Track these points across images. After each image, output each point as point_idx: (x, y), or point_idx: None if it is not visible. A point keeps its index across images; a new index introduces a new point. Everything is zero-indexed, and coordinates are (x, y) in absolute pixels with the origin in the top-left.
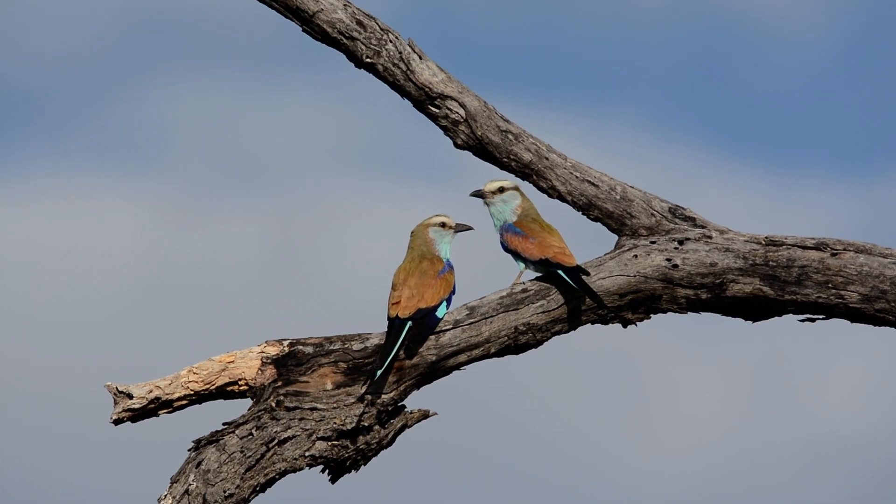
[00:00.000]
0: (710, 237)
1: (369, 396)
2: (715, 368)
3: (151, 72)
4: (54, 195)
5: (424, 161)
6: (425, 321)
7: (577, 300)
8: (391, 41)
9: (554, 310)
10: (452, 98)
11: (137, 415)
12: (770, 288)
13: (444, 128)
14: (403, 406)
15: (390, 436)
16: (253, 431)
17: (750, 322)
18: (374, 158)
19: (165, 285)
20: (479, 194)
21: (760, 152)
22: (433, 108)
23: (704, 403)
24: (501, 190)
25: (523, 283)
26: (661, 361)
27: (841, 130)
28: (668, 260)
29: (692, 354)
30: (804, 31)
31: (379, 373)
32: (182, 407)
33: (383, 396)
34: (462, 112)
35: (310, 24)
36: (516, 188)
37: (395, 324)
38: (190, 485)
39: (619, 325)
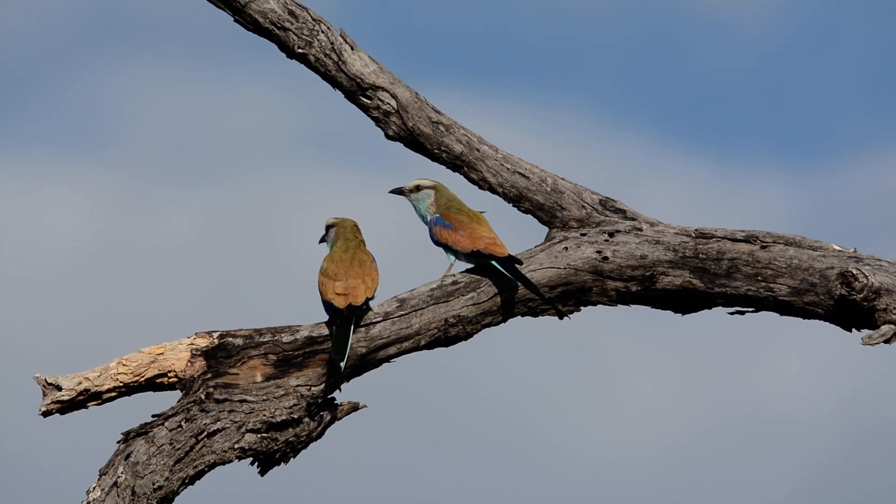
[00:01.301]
0: (640, 229)
1: (339, 390)
2: (666, 354)
3: (100, 58)
4: (1, 179)
5: (375, 151)
6: (365, 311)
7: (507, 292)
8: (323, 32)
9: (484, 302)
10: (384, 89)
11: (66, 406)
12: (700, 280)
13: (375, 119)
14: (333, 399)
15: (320, 428)
16: (182, 423)
17: (679, 314)
18: (323, 147)
19: (109, 273)
20: (399, 191)
21: (707, 140)
22: (364, 100)
23: (656, 388)
24: (418, 188)
25: (453, 275)
26: (611, 348)
27: (789, 117)
28: (599, 252)
29: (643, 339)
30: (754, 14)
31: (343, 365)
32: (112, 399)
33: (312, 389)
34: (393, 103)
35: (241, 14)
36: (434, 187)
37: (345, 313)
38: (119, 477)
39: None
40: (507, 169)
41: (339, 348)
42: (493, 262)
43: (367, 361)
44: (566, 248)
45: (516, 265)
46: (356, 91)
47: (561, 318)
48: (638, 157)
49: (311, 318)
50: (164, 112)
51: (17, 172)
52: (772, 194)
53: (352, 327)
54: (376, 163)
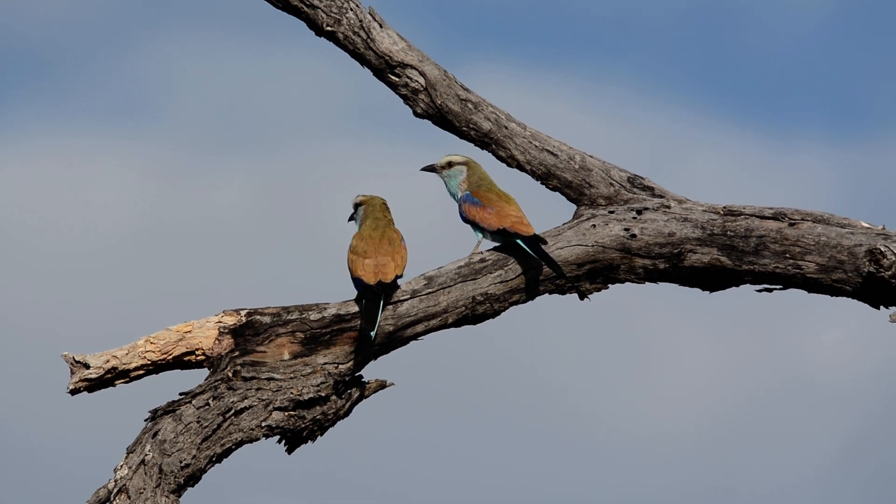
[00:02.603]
0: (668, 207)
1: (373, 358)
2: (707, 325)
3: (150, 32)
4: (52, 154)
5: (421, 124)
6: (395, 288)
7: (534, 270)
8: (352, 9)
9: (511, 280)
10: (412, 67)
11: (94, 385)
12: (728, 258)
13: (403, 97)
14: (360, 376)
15: (347, 406)
16: (210, 402)
17: (707, 292)
18: (372, 119)
19: (160, 246)
20: (430, 168)
21: (756, 113)
22: (393, 77)
23: (698, 359)
24: (450, 165)
25: (481, 252)
26: (654, 320)
27: (839, 90)
28: (627, 230)
29: (684, 311)
30: None
31: (374, 334)
32: (139, 377)
33: (339, 367)
34: (422, 81)
35: None
36: (466, 163)
37: (375, 289)
38: (146, 455)
39: (610, 290)
40: (536, 146)
41: (370, 320)
42: (519, 241)
43: (395, 339)
44: (594, 226)
45: (541, 244)
46: (385, 69)
47: (582, 298)
48: (686, 130)
49: (345, 294)
50: (213, 85)
51: (68, 144)
52: (819, 168)
53: (381, 303)
54: (420, 136)
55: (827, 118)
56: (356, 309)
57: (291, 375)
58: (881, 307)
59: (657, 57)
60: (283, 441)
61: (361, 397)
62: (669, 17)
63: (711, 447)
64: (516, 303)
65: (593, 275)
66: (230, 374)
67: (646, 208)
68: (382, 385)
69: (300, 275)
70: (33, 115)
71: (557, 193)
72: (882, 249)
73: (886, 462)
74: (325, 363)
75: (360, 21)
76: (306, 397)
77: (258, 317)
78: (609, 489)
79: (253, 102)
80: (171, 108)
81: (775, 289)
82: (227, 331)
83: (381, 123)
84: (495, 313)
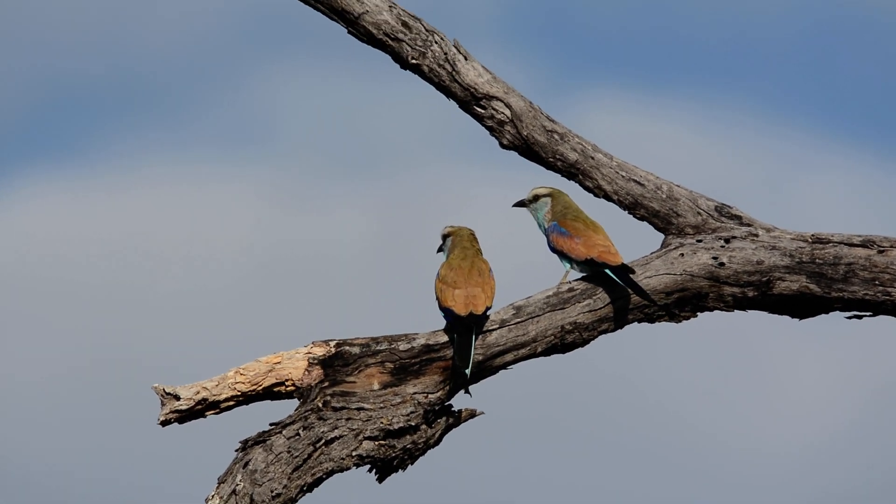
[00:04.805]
0: (756, 235)
1: (469, 394)
2: (818, 340)
3: (264, 59)
4: (170, 183)
5: None
6: (486, 319)
7: (623, 299)
8: (436, 42)
9: (600, 309)
10: (498, 98)
11: (185, 416)
12: (817, 285)
13: (489, 128)
14: (450, 405)
15: (437, 435)
16: (300, 432)
17: (797, 319)
18: (484, 144)
19: (278, 271)
20: (521, 204)
21: (873, 136)
22: (479, 109)
23: (809, 376)
24: (536, 198)
25: (569, 282)
26: (762, 336)
27: None
28: (715, 258)
29: (794, 328)
30: None
31: (468, 372)
32: (229, 408)
33: (429, 396)
34: (508, 112)
35: (355, 26)
36: (550, 194)
37: (467, 321)
38: (237, 485)
39: (727, 313)
40: (623, 177)
41: (463, 356)
42: (607, 271)
43: (484, 368)
44: (682, 255)
45: (629, 274)
46: (470, 101)
47: (675, 321)
48: (802, 153)
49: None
50: (328, 111)
51: (187, 172)
52: None
53: (473, 335)
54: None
55: None
56: (445, 339)
57: (381, 405)
58: None
59: (772, 80)
60: (374, 470)
61: (451, 426)
62: (784, 39)
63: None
64: (605, 331)
65: (682, 303)
66: (320, 405)
67: (734, 237)
68: (473, 414)
69: (414, 303)
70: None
71: (645, 223)
72: None
73: None
74: (415, 393)
75: (445, 54)
76: (396, 427)
77: (347, 347)
78: None
79: (367, 127)
80: (287, 134)
81: (865, 315)
82: (316, 361)
83: (497, 148)
84: (584, 342)
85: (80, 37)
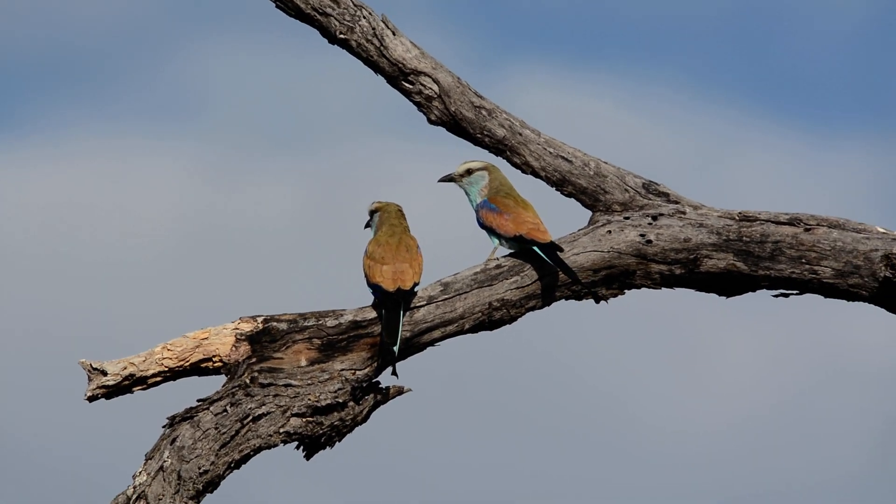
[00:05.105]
0: (683, 213)
1: (395, 375)
2: (747, 320)
3: (194, 33)
4: (98, 155)
5: None
6: (413, 295)
7: (550, 276)
8: (364, 17)
9: (528, 286)
10: (426, 74)
11: (112, 392)
12: (744, 263)
13: (417, 104)
14: (378, 382)
15: (365, 412)
16: (227, 408)
17: (724, 297)
18: (413, 120)
19: (204, 245)
20: (448, 178)
21: (800, 112)
22: (407, 84)
23: (739, 354)
24: (469, 172)
25: (497, 259)
26: (694, 317)
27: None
28: (642, 235)
29: (724, 306)
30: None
31: (396, 349)
32: (157, 384)
33: (357, 373)
34: (436, 88)
35: (283, 1)
36: (486, 168)
37: (395, 297)
38: (165, 461)
39: (655, 290)
40: (550, 153)
41: (392, 332)
42: (535, 248)
43: (412, 345)
44: (609, 232)
45: (557, 252)
46: (398, 76)
47: (598, 302)
48: (729, 130)
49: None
50: (256, 86)
51: (116, 145)
52: (861, 167)
53: (402, 311)
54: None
55: (870, 118)
56: (373, 315)
57: (309, 382)
58: None
59: (700, 57)
60: (301, 447)
61: (378, 403)
62: (713, 17)
63: (754, 443)
64: (532, 308)
65: (609, 280)
66: (247, 381)
67: (661, 214)
68: (401, 391)
69: (342, 278)
70: (77, 116)
71: (573, 200)
72: None
73: None
74: (343, 369)
75: (373, 29)
76: (324, 403)
77: (275, 323)
78: (650, 489)
79: (296, 102)
80: (215, 108)
81: (791, 294)
82: (243, 337)
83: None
84: (512, 319)
85: (9, 6)
